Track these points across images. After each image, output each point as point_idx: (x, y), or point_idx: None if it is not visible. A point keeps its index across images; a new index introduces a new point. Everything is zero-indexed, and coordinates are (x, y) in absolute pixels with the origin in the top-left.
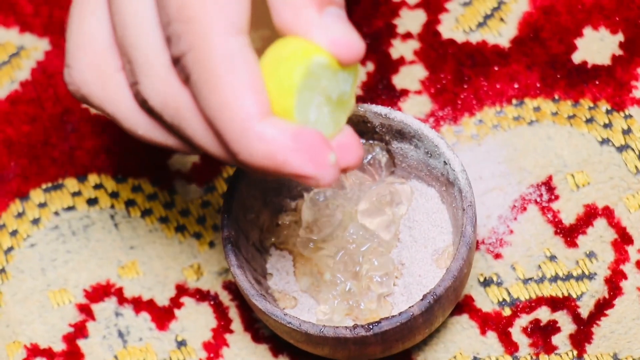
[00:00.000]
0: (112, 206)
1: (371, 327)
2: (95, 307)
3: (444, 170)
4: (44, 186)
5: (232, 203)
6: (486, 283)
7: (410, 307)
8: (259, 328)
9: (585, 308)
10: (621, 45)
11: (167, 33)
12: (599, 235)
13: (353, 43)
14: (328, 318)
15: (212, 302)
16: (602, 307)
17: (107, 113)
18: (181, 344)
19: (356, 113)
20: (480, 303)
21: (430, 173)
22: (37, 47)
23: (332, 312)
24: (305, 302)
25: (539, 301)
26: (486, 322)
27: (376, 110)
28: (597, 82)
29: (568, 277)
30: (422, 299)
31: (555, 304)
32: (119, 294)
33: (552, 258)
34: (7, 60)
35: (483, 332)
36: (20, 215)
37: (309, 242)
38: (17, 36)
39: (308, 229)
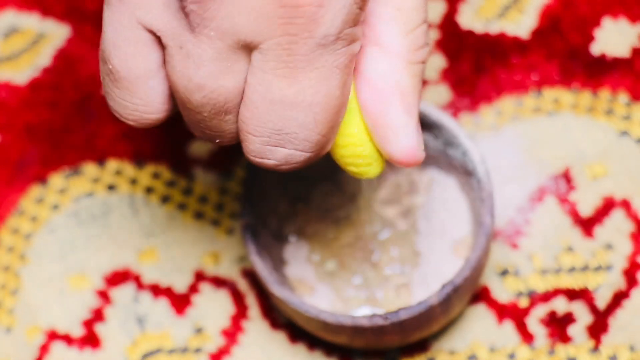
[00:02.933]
0: (131, 192)
1: (389, 316)
2: (114, 293)
3: (463, 160)
4: (63, 172)
5: (252, 190)
6: (503, 273)
7: (428, 297)
8: (276, 316)
9: (601, 299)
10: None
11: None
12: (617, 227)
13: (417, 156)
14: (345, 307)
15: (230, 289)
16: (618, 298)
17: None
18: (199, 330)
19: None
20: (497, 293)
21: (449, 163)
22: (58, 33)
23: (349, 302)
24: (322, 290)
25: (556, 292)
26: (503, 312)
27: None
28: (616, 74)
29: (585, 268)
30: (440, 289)
31: (572, 295)
32: (138, 280)
33: (570, 249)
34: (27, 47)
35: (500, 322)
36: (39, 200)
37: (327, 230)
38: (37, 22)
39: (326, 218)
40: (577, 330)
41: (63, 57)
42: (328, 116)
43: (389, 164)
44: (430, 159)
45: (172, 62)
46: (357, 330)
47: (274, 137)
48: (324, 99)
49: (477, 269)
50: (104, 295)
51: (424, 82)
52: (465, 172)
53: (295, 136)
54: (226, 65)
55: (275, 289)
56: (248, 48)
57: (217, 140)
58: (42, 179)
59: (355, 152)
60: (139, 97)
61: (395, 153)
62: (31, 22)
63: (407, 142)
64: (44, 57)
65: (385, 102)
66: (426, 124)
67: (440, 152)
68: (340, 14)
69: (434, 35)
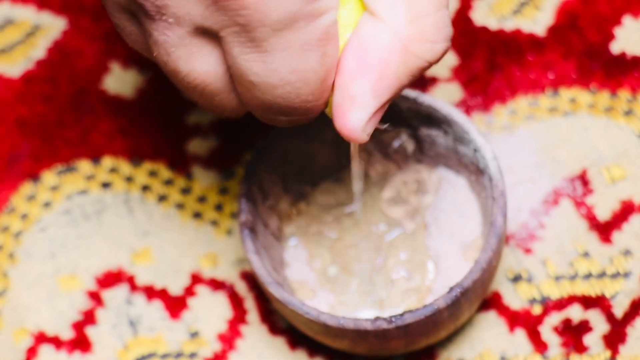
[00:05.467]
0: (127, 191)
1: (393, 319)
2: (106, 295)
3: (474, 157)
4: (56, 168)
5: (251, 187)
6: (515, 279)
7: (435, 299)
8: (276, 320)
9: (619, 307)
10: None
11: None
12: (636, 232)
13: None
14: (348, 312)
15: (227, 292)
16: (637, 306)
17: None
18: (194, 334)
19: None
20: (509, 300)
21: (460, 161)
22: (54, 26)
23: (352, 306)
24: (323, 295)
25: (571, 299)
26: (515, 319)
27: (404, 94)
28: (636, 73)
29: (602, 275)
30: (448, 292)
31: (588, 302)
32: (131, 281)
33: (586, 255)
34: (22, 39)
35: (511, 330)
36: (31, 198)
37: (330, 230)
38: (33, 14)
39: (329, 217)
40: (593, 340)
41: (58, 50)
42: (312, 87)
43: (396, 163)
44: (440, 158)
45: (152, 50)
46: (359, 334)
47: (272, 109)
48: (302, 75)
49: (488, 271)
50: (95, 297)
51: (435, 80)
52: (476, 170)
53: (288, 107)
54: (191, 50)
55: (273, 289)
56: (211, 34)
57: (225, 115)
58: (34, 175)
59: None
60: None
61: (337, 122)
62: (27, 13)
63: (354, 120)
64: (39, 49)
65: (360, 71)
66: (436, 119)
67: (450, 149)
68: None
69: None
